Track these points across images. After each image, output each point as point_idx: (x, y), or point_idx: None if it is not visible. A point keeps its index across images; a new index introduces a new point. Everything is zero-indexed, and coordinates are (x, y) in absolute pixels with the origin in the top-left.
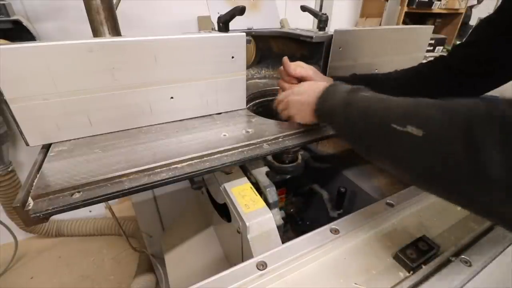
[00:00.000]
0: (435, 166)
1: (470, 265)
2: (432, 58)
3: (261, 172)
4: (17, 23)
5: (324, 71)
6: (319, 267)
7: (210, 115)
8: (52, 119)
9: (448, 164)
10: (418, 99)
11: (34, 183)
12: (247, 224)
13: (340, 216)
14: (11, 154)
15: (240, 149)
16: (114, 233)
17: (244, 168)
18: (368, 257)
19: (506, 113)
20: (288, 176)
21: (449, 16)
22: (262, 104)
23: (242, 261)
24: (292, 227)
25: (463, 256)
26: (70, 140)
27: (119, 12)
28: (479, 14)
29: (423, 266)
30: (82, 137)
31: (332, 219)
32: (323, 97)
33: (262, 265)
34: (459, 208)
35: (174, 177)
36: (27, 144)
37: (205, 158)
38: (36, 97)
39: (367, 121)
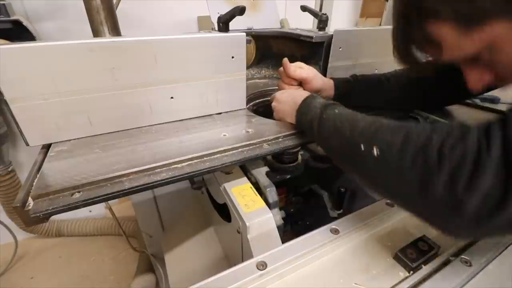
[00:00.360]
0: (391, 182)
1: (470, 265)
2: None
3: (261, 172)
4: (17, 23)
5: (324, 71)
6: (319, 267)
7: (210, 115)
8: (52, 119)
9: (402, 182)
10: (380, 123)
11: (34, 183)
12: (247, 224)
13: (340, 216)
14: (11, 154)
15: (240, 149)
16: (114, 233)
17: (244, 168)
18: (368, 257)
19: (441, 144)
20: (288, 176)
21: None
22: (262, 104)
23: (242, 261)
24: (292, 227)
25: (463, 256)
26: (70, 140)
27: (119, 12)
28: None
29: (423, 266)
30: (82, 137)
31: (332, 219)
32: (300, 110)
33: (262, 265)
34: None
35: (174, 177)
36: (27, 144)
37: (205, 158)
38: (36, 97)
39: (338, 139)
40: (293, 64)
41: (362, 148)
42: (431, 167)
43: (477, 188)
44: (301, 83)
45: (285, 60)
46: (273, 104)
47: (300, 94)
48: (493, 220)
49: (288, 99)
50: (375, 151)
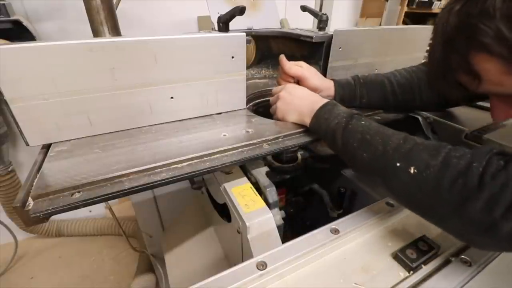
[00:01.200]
0: (426, 200)
1: (470, 265)
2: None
3: (261, 172)
4: (17, 23)
5: (324, 71)
6: (319, 267)
7: (210, 115)
8: (52, 119)
9: (437, 201)
10: (414, 141)
11: (34, 183)
12: (247, 224)
13: (340, 216)
14: (11, 154)
15: (240, 149)
16: (114, 233)
17: (244, 168)
18: (368, 257)
19: (482, 170)
20: (288, 176)
21: None
22: (262, 104)
23: (242, 261)
24: (292, 227)
25: (463, 256)
26: (70, 140)
27: (119, 12)
28: None
29: (423, 266)
30: (82, 137)
31: (332, 219)
32: (319, 115)
33: (262, 265)
34: None
35: (174, 177)
36: (27, 144)
37: (205, 158)
38: (36, 97)
39: (368, 152)
40: (292, 63)
41: (397, 165)
42: (470, 191)
43: None
44: (298, 81)
45: (281, 56)
46: (277, 103)
47: (319, 99)
48: None
49: (304, 97)
50: (412, 170)
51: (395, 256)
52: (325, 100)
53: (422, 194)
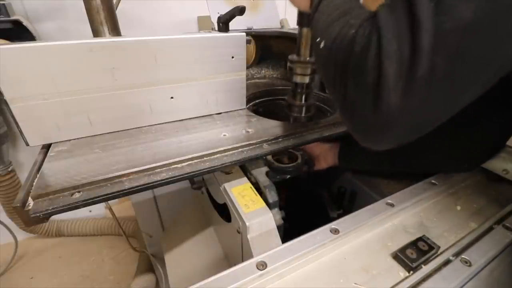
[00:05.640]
0: (332, 70)
1: (470, 265)
2: None
3: (261, 172)
4: (17, 23)
5: None
6: (319, 267)
7: (210, 115)
8: (52, 119)
9: (340, 70)
10: (345, 11)
11: (34, 183)
12: (247, 224)
13: (340, 216)
14: (11, 154)
15: (240, 149)
16: (114, 233)
17: (244, 168)
18: (368, 257)
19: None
20: (288, 176)
21: None
22: (262, 104)
23: (242, 261)
24: (292, 227)
25: (463, 256)
26: (70, 140)
27: (119, 12)
28: None
29: (423, 266)
30: (82, 137)
31: (332, 219)
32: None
33: (262, 265)
34: (459, 208)
35: (174, 177)
36: (27, 144)
37: (205, 158)
38: (36, 97)
39: (312, 29)
40: None
41: (317, 40)
42: (349, 53)
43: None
44: None
45: None
46: None
47: None
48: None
49: None
50: (322, 44)
51: (395, 256)
52: None
53: (324, 66)
